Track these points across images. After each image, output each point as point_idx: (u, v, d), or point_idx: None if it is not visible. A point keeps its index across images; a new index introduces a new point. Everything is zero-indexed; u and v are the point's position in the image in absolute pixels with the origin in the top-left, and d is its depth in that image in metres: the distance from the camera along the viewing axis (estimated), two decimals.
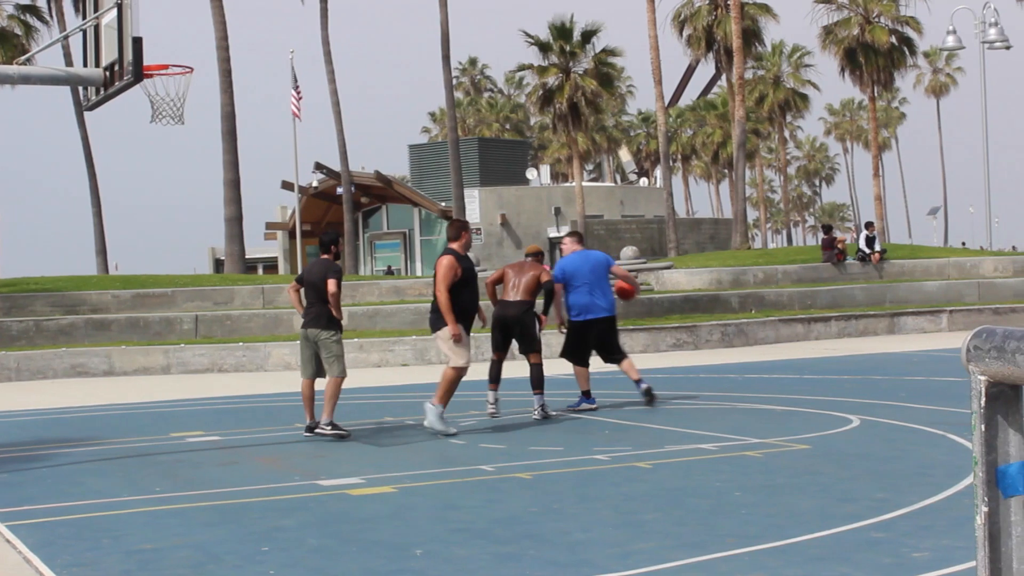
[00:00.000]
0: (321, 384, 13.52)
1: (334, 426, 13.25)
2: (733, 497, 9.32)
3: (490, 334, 15.23)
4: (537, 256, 15.47)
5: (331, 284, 13.25)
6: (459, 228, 13.71)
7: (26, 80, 12.18)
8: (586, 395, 15.32)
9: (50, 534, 8.70)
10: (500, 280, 14.93)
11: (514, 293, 14.62)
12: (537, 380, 14.58)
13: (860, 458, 11.04)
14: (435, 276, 13.26)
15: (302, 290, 13.81)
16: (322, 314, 13.39)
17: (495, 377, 14.98)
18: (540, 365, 14.68)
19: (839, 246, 34.74)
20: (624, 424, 13.97)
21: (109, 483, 11.06)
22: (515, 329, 14.64)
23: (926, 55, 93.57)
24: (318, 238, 13.83)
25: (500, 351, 15.01)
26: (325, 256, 13.62)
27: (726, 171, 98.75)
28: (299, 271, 58.10)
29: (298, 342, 25.29)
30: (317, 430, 13.32)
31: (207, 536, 8.51)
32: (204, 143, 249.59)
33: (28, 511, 9.62)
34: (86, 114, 48.44)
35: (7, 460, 12.69)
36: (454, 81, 67.98)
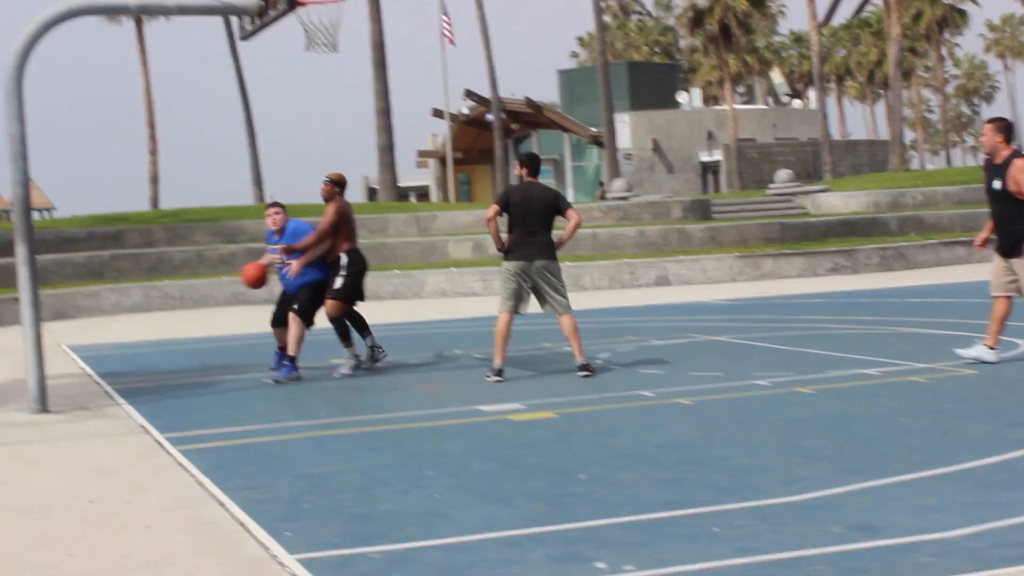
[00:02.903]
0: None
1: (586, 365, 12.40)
2: (899, 422, 9.16)
3: None
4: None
5: (573, 213, 12.08)
6: None
7: (183, 11, 12.32)
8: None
9: (220, 458, 8.91)
10: None
11: None
12: None
13: None
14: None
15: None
16: (549, 243, 12.20)
17: None
18: None
19: None
20: (783, 350, 13.80)
21: (275, 409, 11.27)
22: None
23: None
24: (520, 159, 12.35)
25: None
26: (534, 179, 12.27)
27: (882, 91, 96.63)
28: (449, 199, 58.57)
29: (453, 270, 25.48)
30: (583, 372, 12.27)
31: (372, 460, 8.63)
32: (355, 74, 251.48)
33: (198, 436, 9.86)
34: (240, 47, 49.11)
35: (176, 387, 13.01)
36: (602, 4, 67.30)
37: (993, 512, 6.41)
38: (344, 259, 13.02)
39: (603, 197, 51.89)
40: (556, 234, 12.33)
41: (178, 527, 6.96)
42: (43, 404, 11.51)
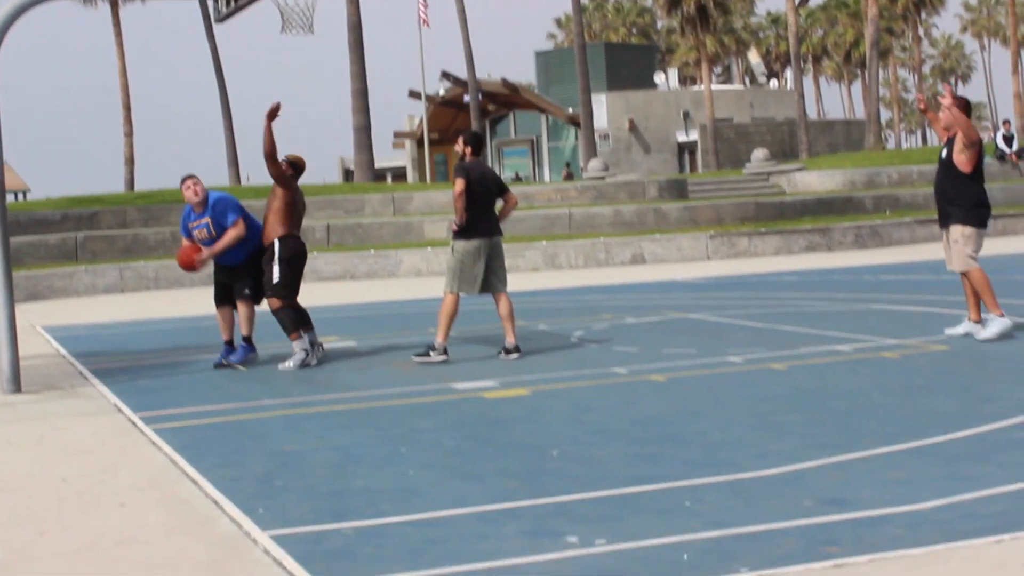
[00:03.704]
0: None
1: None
2: (871, 398, 9.20)
3: None
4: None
5: (512, 196, 12.35)
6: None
7: None
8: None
9: (193, 437, 8.90)
10: None
11: None
12: None
13: (1000, 358, 10.82)
14: None
15: None
16: (498, 220, 12.31)
17: None
18: None
19: None
20: (758, 327, 13.85)
21: (249, 387, 11.26)
22: None
23: None
24: (465, 138, 12.18)
25: None
26: (477, 158, 12.18)
27: (858, 71, 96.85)
28: (427, 179, 58.50)
29: (429, 250, 25.44)
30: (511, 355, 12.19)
31: (346, 438, 8.63)
32: (331, 55, 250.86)
33: (172, 415, 9.85)
34: (216, 28, 48.89)
35: (150, 367, 12.98)
36: None
37: (963, 485, 6.45)
38: (277, 246, 12.35)
39: (569, 178, 51.89)
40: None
41: (151, 505, 6.96)
42: (16, 384, 11.48)
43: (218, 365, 12.49)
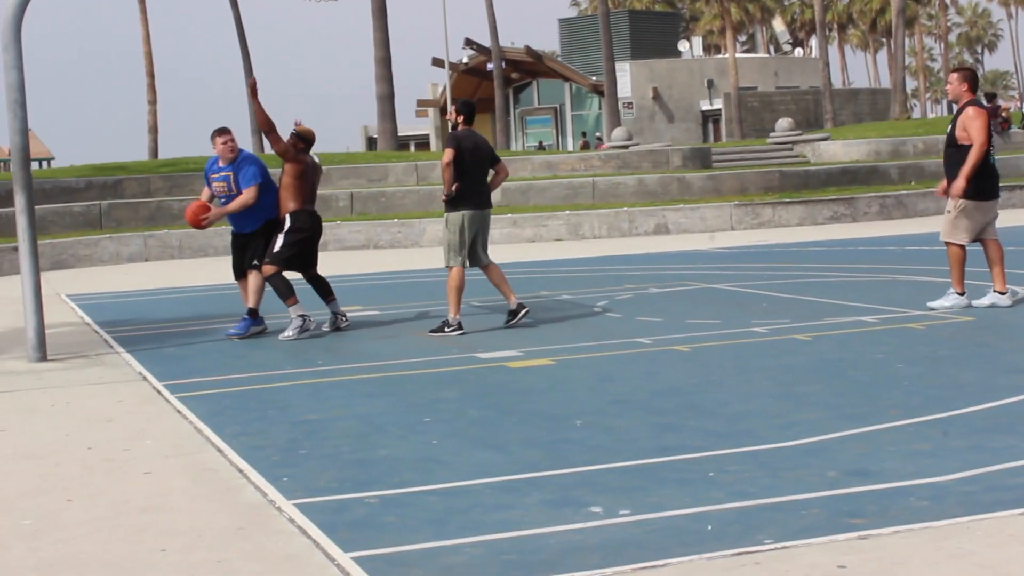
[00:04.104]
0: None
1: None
2: (895, 369, 9.18)
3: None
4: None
5: (503, 167, 12.28)
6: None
7: None
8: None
9: (218, 405, 8.94)
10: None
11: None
12: None
13: None
14: None
15: None
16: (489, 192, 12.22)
17: None
18: None
19: (1003, 115, 33.78)
20: (782, 297, 13.81)
21: (272, 356, 11.29)
22: None
23: None
24: (458, 107, 12.11)
25: None
26: (469, 127, 12.08)
27: (884, 40, 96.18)
28: None
29: None
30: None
31: (369, 407, 8.65)
32: (355, 23, 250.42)
33: (197, 383, 9.89)
34: None
35: (175, 334, 13.03)
36: None
37: (987, 457, 6.44)
38: (288, 221, 12.28)
39: (585, 148, 51.73)
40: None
41: (176, 473, 7.00)
42: (42, 352, 11.53)
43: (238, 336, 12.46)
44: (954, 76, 11.87)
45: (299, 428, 8.02)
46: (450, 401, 8.73)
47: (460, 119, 12.02)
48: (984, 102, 11.62)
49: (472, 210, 11.91)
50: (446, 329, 11.95)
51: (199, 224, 12.58)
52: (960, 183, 11.48)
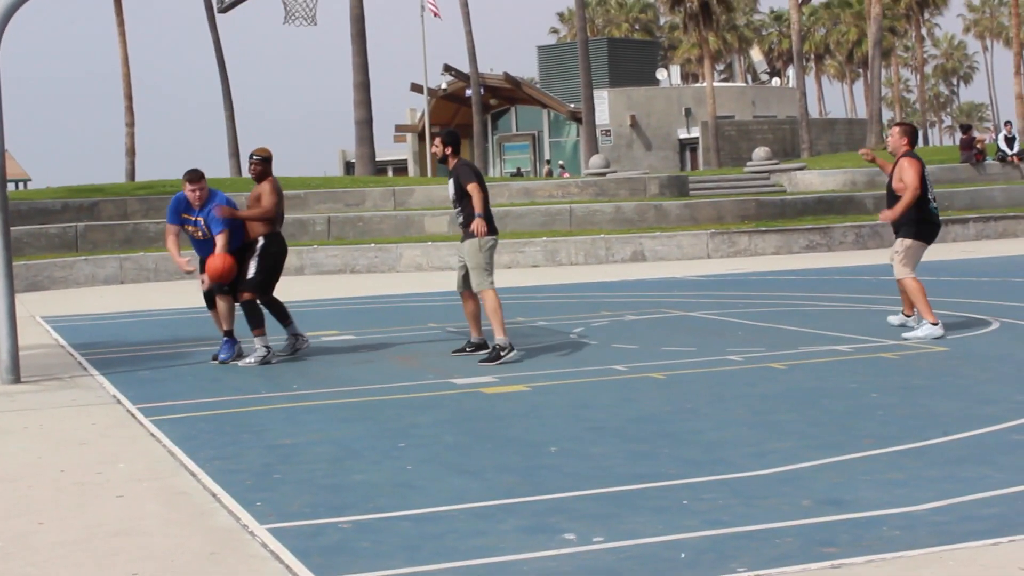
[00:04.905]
0: None
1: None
2: (870, 398, 9.21)
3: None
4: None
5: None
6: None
7: None
8: None
9: (192, 428, 8.90)
10: None
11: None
12: None
13: (1000, 360, 10.83)
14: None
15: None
16: None
17: None
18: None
19: (978, 146, 33.95)
20: (757, 326, 13.85)
21: (247, 380, 11.26)
22: None
23: None
24: (445, 139, 12.03)
25: None
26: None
27: (860, 70, 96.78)
28: (428, 173, 58.46)
29: (430, 244, 25.50)
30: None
31: (344, 432, 8.64)
32: (334, 47, 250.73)
33: (171, 406, 9.85)
34: (218, 19, 48.85)
35: (148, 357, 12.99)
36: None
37: (960, 487, 6.45)
38: (261, 242, 12.22)
39: (549, 175, 51.81)
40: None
41: (149, 497, 6.96)
42: (16, 374, 11.48)
43: (222, 360, 12.40)
44: (895, 130, 12.69)
45: (274, 452, 8.00)
46: (425, 426, 8.72)
47: (449, 151, 11.91)
48: (917, 156, 12.34)
49: (496, 235, 11.86)
50: (502, 354, 11.64)
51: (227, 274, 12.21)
52: (897, 212, 12.31)
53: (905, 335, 12.27)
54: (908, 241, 12.47)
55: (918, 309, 12.45)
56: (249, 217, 12.26)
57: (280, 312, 12.53)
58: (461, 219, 11.86)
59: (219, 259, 12.02)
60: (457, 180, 11.82)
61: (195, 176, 12.26)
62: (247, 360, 12.17)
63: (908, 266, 12.46)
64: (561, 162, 59.17)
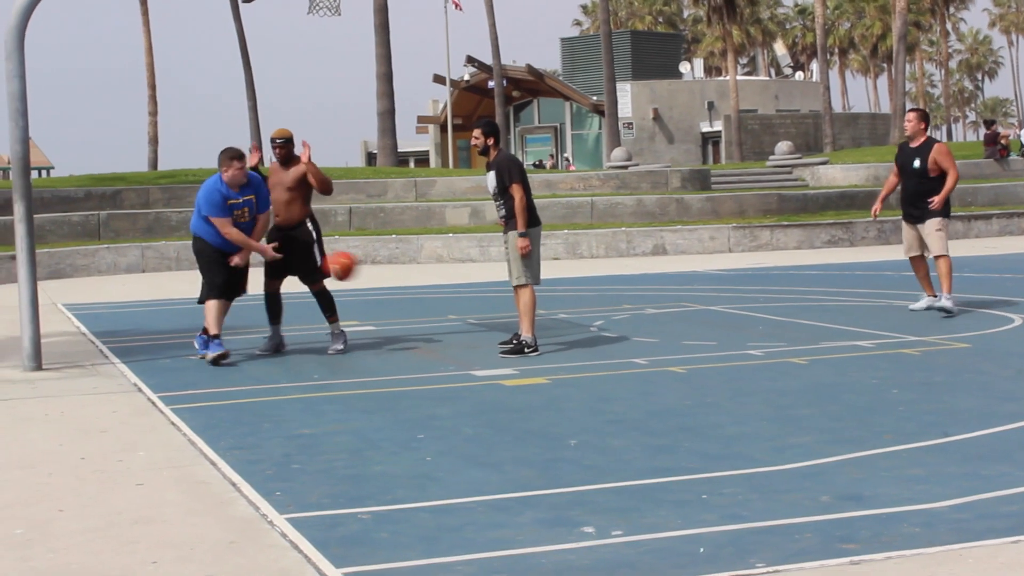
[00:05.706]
0: None
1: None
2: (890, 394, 9.18)
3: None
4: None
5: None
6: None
7: None
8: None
9: (212, 418, 8.93)
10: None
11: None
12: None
13: (1022, 357, 10.78)
14: None
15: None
16: None
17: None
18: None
19: (1002, 142, 33.81)
20: (778, 320, 13.82)
21: (267, 370, 11.29)
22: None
23: None
24: (487, 130, 11.68)
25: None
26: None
27: (884, 65, 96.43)
28: (450, 165, 58.45)
29: (450, 235, 25.48)
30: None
31: (364, 423, 8.65)
32: (357, 38, 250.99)
33: (191, 395, 9.88)
34: (243, 9, 48.91)
35: (170, 346, 13.02)
36: None
37: (980, 484, 6.43)
38: (310, 224, 12.19)
39: (554, 168, 51.73)
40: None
41: (169, 485, 6.98)
42: (37, 361, 11.53)
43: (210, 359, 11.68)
44: (913, 115, 13.71)
45: (293, 442, 8.01)
46: (445, 418, 8.72)
47: (491, 141, 11.60)
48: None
49: (539, 225, 11.73)
50: (527, 350, 11.54)
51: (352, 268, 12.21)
52: (943, 196, 13.44)
53: (941, 313, 13.43)
54: (946, 220, 13.51)
55: (945, 285, 13.38)
56: (321, 178, 12.10)
57: (277, 309, 12.35)
58: (503, 212, 11.64)
59: (343, 256, 12.20)
60: (500, 175, 11.49)
61: (238, 153, 11.73)
62: (336, 347, 12.08)
63: (946, 244, 13.47)
64: (567, 155, 59.20)
